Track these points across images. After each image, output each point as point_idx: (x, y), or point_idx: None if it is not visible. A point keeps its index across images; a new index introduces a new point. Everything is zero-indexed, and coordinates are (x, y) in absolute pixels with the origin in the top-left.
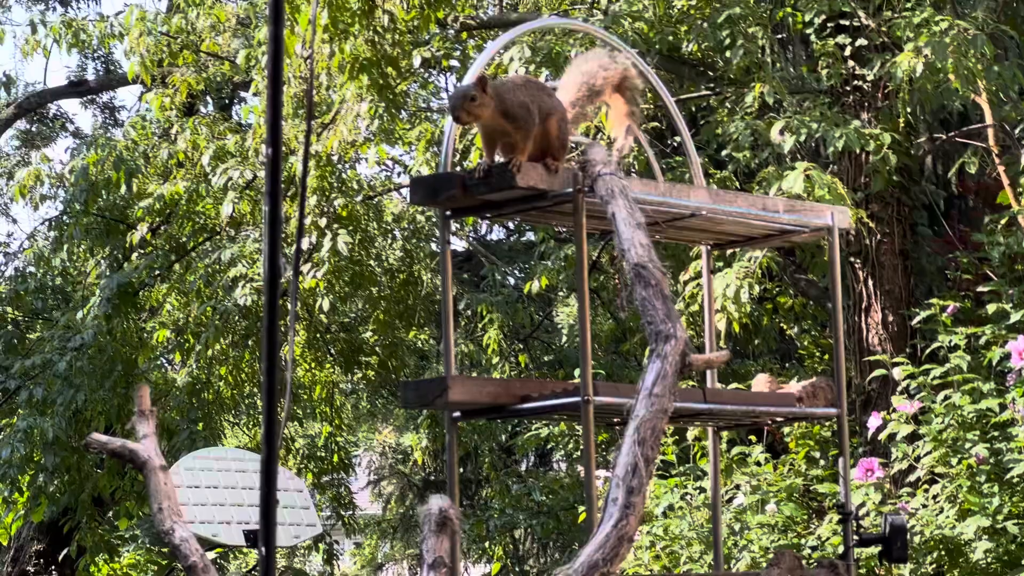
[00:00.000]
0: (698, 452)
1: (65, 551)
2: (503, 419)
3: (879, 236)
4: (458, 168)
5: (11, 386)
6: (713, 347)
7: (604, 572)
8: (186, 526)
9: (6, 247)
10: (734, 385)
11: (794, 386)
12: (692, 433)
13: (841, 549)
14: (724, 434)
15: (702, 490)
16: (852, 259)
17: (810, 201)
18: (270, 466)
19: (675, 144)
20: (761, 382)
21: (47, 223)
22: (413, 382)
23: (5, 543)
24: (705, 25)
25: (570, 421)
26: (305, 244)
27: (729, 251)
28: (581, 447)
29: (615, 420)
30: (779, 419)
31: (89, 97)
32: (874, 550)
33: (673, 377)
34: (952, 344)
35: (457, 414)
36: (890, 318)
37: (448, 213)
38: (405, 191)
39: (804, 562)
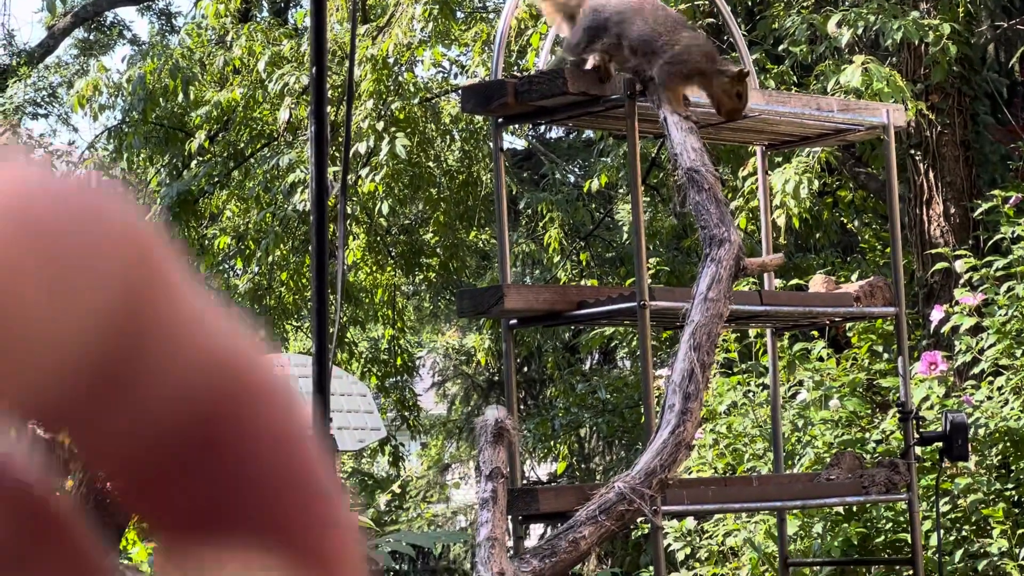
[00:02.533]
0: (760, 349)
1: None
2: (560, 325)
3: (939, 128)
4: (515, 69)
5: None
6: (770, 247)
7: (662, 478)
8: None
9: (69, 156)
10: (795, 281)
11: (852, 285)
12: (754, 331)
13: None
14: (786, 333)
15: (765, 387)
16: (912, 151)
17: (866, 99)
18: (323, 378)
19: (731, 41)
20: (818, 282)
21: (107, 132)
22: (468, 290)
23: None
24: None
25: (627, 326)
26: (363, 148)
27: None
28: None
29: (676, 324)
30: (837, 319)
31: (145, 4)
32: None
33: (728, 281)
34: (1015, 235)
35: (513, 321)
36: (952, 210)
37: (500, 120)
38: None
39: (867, 459)
